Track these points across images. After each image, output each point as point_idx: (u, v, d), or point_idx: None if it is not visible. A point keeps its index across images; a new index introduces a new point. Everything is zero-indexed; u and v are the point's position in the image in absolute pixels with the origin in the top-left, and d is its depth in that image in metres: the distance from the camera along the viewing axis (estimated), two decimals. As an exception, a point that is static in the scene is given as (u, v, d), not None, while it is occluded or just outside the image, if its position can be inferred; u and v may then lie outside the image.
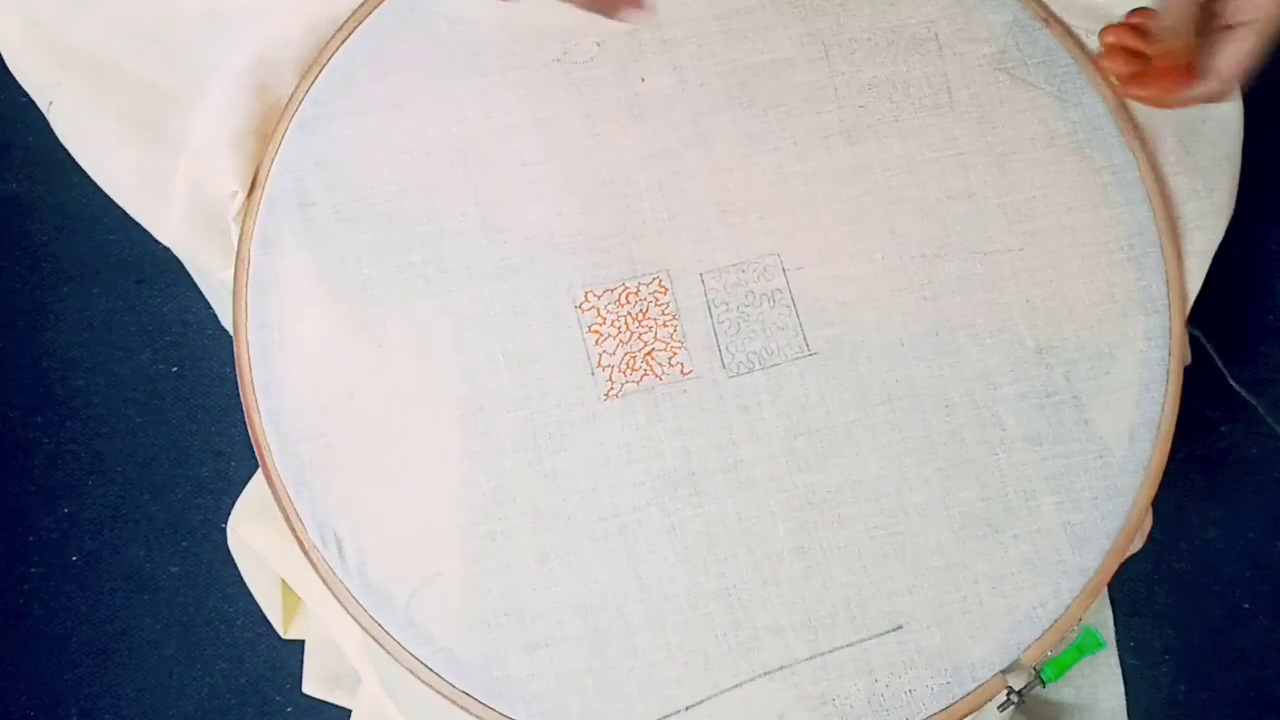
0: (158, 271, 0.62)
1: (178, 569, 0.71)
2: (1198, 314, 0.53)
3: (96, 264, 0.73)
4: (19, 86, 0.55)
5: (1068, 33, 0.53)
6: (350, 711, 0.59)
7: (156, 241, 0.56)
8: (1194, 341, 0.61)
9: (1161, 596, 0.72)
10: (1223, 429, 0.73)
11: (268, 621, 0.58)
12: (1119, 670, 0.65)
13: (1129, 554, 0.48)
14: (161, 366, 0.72)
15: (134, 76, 0.53)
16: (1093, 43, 0.53)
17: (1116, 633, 0.70)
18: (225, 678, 0.69)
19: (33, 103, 0.55)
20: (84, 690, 0.69)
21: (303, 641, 0.61)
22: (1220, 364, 0.62)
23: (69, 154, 0.54)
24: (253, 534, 0.54)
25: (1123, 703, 0.65)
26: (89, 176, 0.54)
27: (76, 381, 0.72)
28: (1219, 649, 0.71)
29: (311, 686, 0.60)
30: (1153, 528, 0.51)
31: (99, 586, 0.70)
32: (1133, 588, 0.71)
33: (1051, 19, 0.53)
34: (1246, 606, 0.72)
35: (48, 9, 0.52)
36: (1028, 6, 0.54)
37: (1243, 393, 0.65)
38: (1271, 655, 0.71)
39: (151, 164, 0.52)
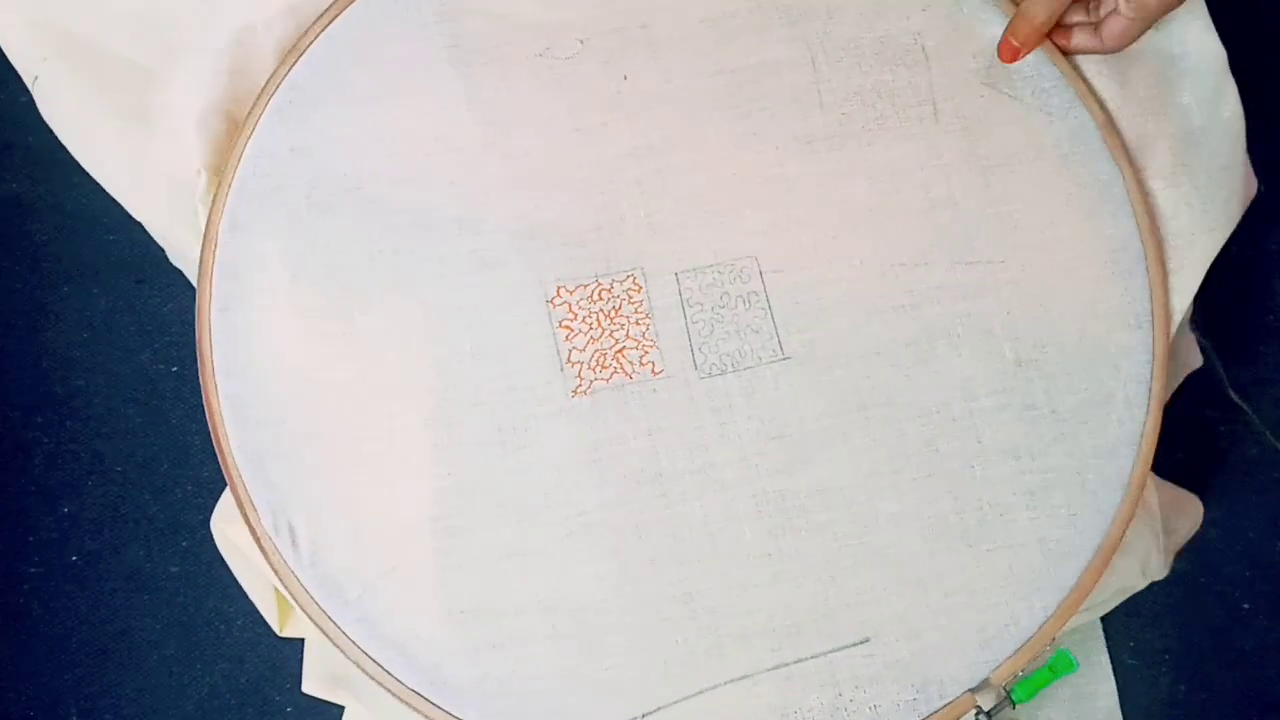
0: (158, 271, 0.62)
1: (178, 569, 0.71)
2: (1200, 315, 0.52)
3: (96, 264, 0.73)
4: (18, 85, 0.55)
5: (1056, 48, 0.53)
6: (351, 711, 0.58)
7: (157, 241, 0.55)
8: (1199, 347, 0.60)
9: (1161, 596, 0.71)
10: (1223, 429, 0.74)
11: (267, 622, 0.57)
12: (1109, 668, 0.65)
13: (1134, 590, 0.47)
14: (161, 366, 0.73)
15: (126, 61, 0.52)
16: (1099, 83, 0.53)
17: (1116, 633, 0.70)
18: (225, 678, 0.69)
19: (32, 102, 0.55)
20: (84, 690, 0.69)
21: (302, 641, 0.61)
22: (1221, 372, 0.61)
23: (69, 154, 0.54)
24: (237, 532, 0.53)
25: (1115, 700, 0.65)
26: (89, 176, 0.54)
27: (76, 381, 0.72)
28: (1219, 649, 0.71)
29: (311, 686, 0.59)
30: (1170, 571, 0.50)
31: (99, 586, 0.70)
32: None
33: (1040, 33, 0.53)
34: (1246, 606, 0.72)
35: None
36: (1017, 20, 0.53)
37: (1240, 402, 0.64)
38: (1271, 655, 0.71)
39: (135, 145, 0.51)
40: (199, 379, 0.47)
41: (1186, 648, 0.71)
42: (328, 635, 0.44)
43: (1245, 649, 0.70)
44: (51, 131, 0.53)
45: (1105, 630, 0.69)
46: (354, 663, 0.44)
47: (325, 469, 0.46)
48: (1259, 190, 0.55)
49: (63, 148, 0.60)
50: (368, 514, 0.45)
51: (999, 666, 0.44)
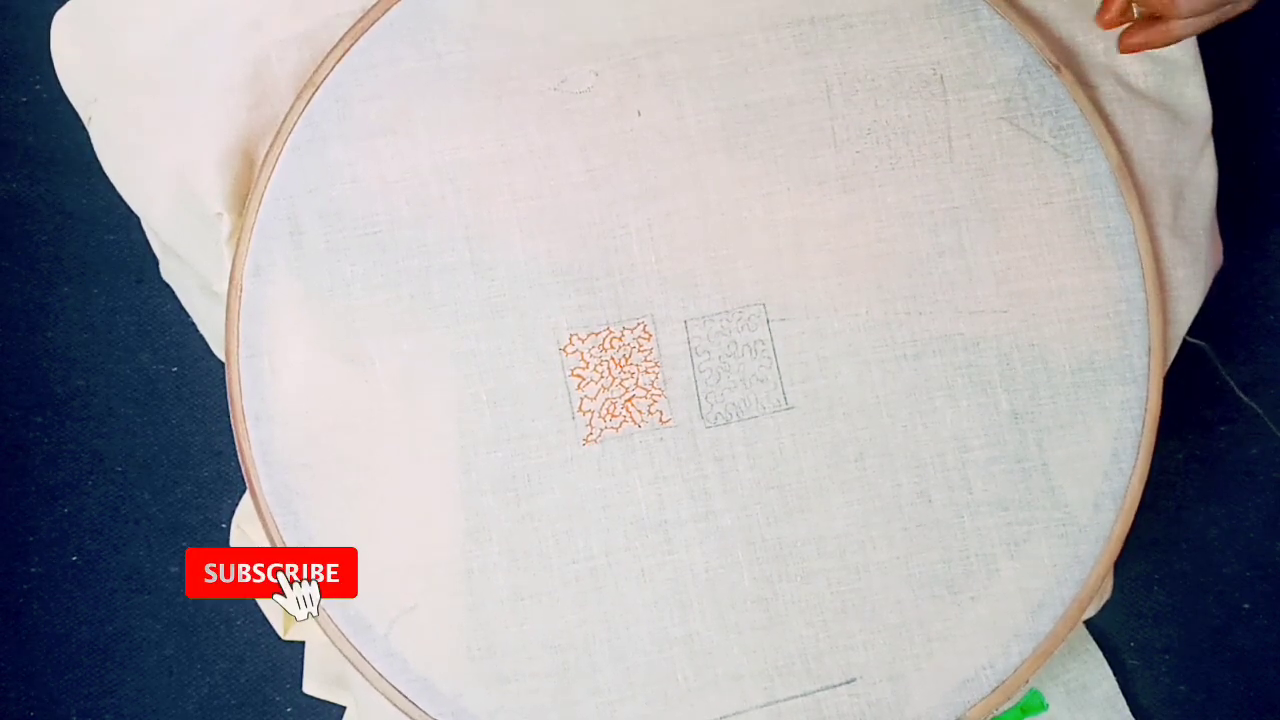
0: (158, 272, 0.67)
1: (178, 569, 0.77)
2: (1199, 314, 0.59)
3: (96, 264, 0.78)
4: (18, 85, 0.61)
5: (1077, 83, 0.58)
6: (351, 711, 0.66)
7: (157, 255, 0.61)
8: (1200, 353, 0.67)
9: (1161, 596, 0.78)
10: (1223, 429, 0.79)
11: (268, 621, 0.65)
12: (1101, 655, 0.72)
13: (1085, 618, 0.55)
14: (161, 366, 0.78)
15: (168, 99, 0.58)
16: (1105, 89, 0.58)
17: (1117, 632, 0.76)
18: (225, 678, 0.76)
19: (32, 102, 0.61)
20: (84, 690, 0.76)
21: (303, 642, 0.68)
22: (1229, 378, 0.67)
23: (68, 154, 0.60)
24: (258, 532, 0.61)
25: (1114, 686, 0.73)
26: (88, 176, 0.59)
27: (76, 381, 0.78)
28: (1219, 649, 0.77)
29: (312, 686, 0.67)
30: (1113, 593, 0.58)
31: (99, 586, 0.76)
32: (1133, 588, 0.78)
33: (1063, 67, 0.58)
34: (1246, 606, 0.78)
35: (101, 19, 0.58)
36: (1039, 51, 0.58)
37: (1253, 405, 0.71)
38: (1271, 655, 0.77)
39: (177, 187, 0.58)
40: (229, 419, 0.55)
41: (1186, 648, 0.77)
42: (359, 670, 0.53)
43: (1245, 649, 0.77)
44: (51, 131, 0.58)
45: (1106, 631, 0.78)
46: (382, 694, 0.53)
47: (349, 511, 0.54)
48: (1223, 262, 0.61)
49: (62, 147, 0.65)
50: (390, 555, 0.54)
51: (974, 706, 0.53)
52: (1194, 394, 0.76)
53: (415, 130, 0.56)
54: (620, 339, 0.56)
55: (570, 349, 0.55)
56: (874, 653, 0.53)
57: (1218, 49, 0.62)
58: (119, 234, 0.78)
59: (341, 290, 0.56)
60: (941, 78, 0.58)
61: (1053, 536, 0.55)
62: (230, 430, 0.56)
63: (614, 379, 0.55)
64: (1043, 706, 0.53)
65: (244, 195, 0.57)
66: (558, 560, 0.54)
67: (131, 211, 0.63)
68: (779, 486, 0.55)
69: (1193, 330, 0.59)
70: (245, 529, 0.65)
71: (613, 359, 0.55)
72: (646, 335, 0.56)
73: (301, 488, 0.54)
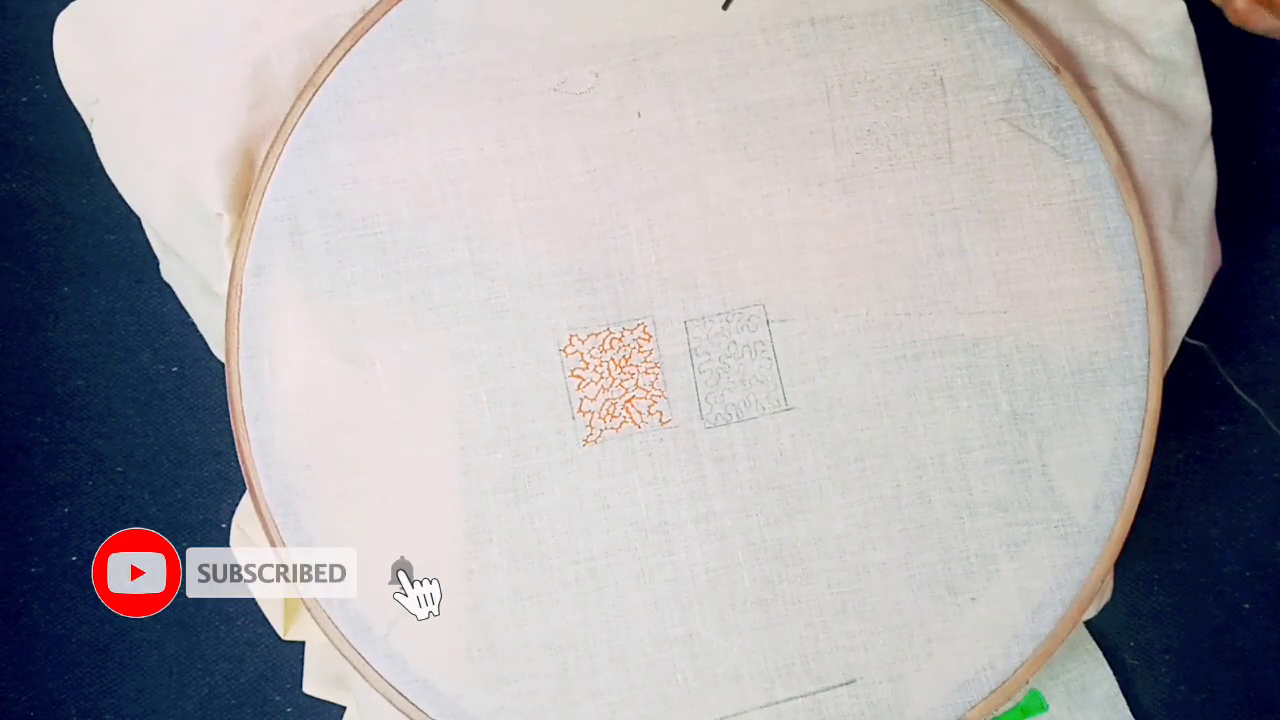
0: (158, 271, 0.67)
1: None
2: (1199, 314, 0.59)
3: (96, 264, 0.78)
4: (18, 85, 0.61)
5: (1077, 84, 0.58)
6: (351, 711, 0.66)
7: (157, 255, 0.61)
8: (1199, 353, 0.67)
9: (1161, 596, 0.78)
10: (1223, 429, 0.79)
11: (268, 621, 0.65)
12: (1100, 655, 0.73)
13: (1085, 618, 0.55)
14: (161, 366, 0.78)
15: (167, 100, 0.58)
16: (1104, 90, 0.58)
17: (1117, 632, 0.76)
18: (225, 678, 0.75)
19: (32, 102, 0.61)
20: (84, 690, 0.75)
21: (303, 642, 0.68)
22: (1229, 378, 0.67)
23: (69, 154, 0.59)
24: (258, 532, 0.61)
25: (1114, 686, 0.73)
26: (88, 176, 0.59)
27: (76, 381, 0.77)
28: (1219, 649, 0.77)
29: (312, 686, 0.67)
30: (1113, 594, 0.58)
31: None
32: (1133, 588, 0.78)
33: (1062, 68, 0.58)
34: (1246, 606, 0.78)
35: (104, 19, 0.58)
36: (1039, 53, 0.58)
37: (1253, 404, 0.71)
38: (1271, 655, 0.77)
39: (176, 187, 0.58)
40: (229, 419, 0.55)
41: (1186, 647, 0.77)
42: (359, 671, 0.53)
43: (1245, 649, 0.77)
44: (51, 131, 0.58)
45: (1106, 631, 0.78)
46: (382, 695, 0.53)
47: (349, 511, 0.54)
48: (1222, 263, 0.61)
49: (63, 147, 0.65)
50: (390, 555, 0.54)
51: (974, 706, 0.54)
52: (1194, 394, 0.76)
53: (415, 131, 0.56)
54: (620, 340, 0.56)
55: (570, 350, 0.56)
56: (874, 653, 0.54)
57: (1218, 49, 0.62)
58: (119, 234, 0.77)
59: (342, 291, 0.56)
60: (941, 79, 0.58)
61: (1052, 537, 0.55)
62: (230, 430, 0.56)
63: (614, 380, 0.55)
64: (1043, 707, 0.53)
65: (244, 195, 0.57)
66: (558, 561, 0.54)
67: (131, 211, 0.63)
68: (779, 487, 0.55)
69: (1193, 330, 0.59)
70: (245, 529, 0.65)
71: (613, 360, 0.56)
72: (646, 336, 0.56)
73: (301, 488, 0.54)
